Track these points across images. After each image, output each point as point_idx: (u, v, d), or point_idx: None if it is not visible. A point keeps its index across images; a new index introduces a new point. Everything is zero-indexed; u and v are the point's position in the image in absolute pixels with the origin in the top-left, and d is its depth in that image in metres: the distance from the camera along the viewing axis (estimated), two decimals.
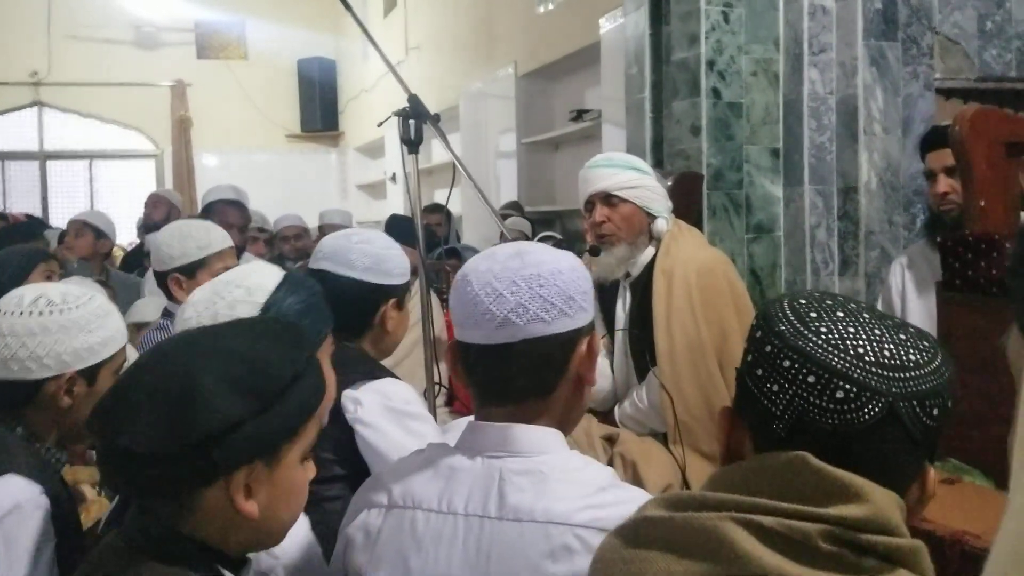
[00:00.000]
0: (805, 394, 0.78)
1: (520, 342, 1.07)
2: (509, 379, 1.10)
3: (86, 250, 4.10)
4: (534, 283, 1.07)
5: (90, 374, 1.41)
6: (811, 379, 0.78)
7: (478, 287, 1.08)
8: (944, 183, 2.34)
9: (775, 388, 0.80)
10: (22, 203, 9.30)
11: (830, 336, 0.79)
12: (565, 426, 1.15)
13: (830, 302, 0.83)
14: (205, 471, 0.89)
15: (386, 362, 1.89)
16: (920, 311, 2.45)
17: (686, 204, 3.12)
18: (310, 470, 1.01)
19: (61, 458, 1.43)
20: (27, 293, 1.39)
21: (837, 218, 3.14)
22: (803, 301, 0.83)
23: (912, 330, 0.83)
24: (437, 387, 2.41)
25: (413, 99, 2.48)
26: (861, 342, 0.79)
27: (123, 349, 1.50)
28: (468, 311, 1.09)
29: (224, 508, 0.91)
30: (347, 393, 1.64)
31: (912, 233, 3.08)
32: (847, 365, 0.77)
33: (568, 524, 1.03)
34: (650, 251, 2.26)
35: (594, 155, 4.56)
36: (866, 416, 0.76)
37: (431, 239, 5.06)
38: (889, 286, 2.60)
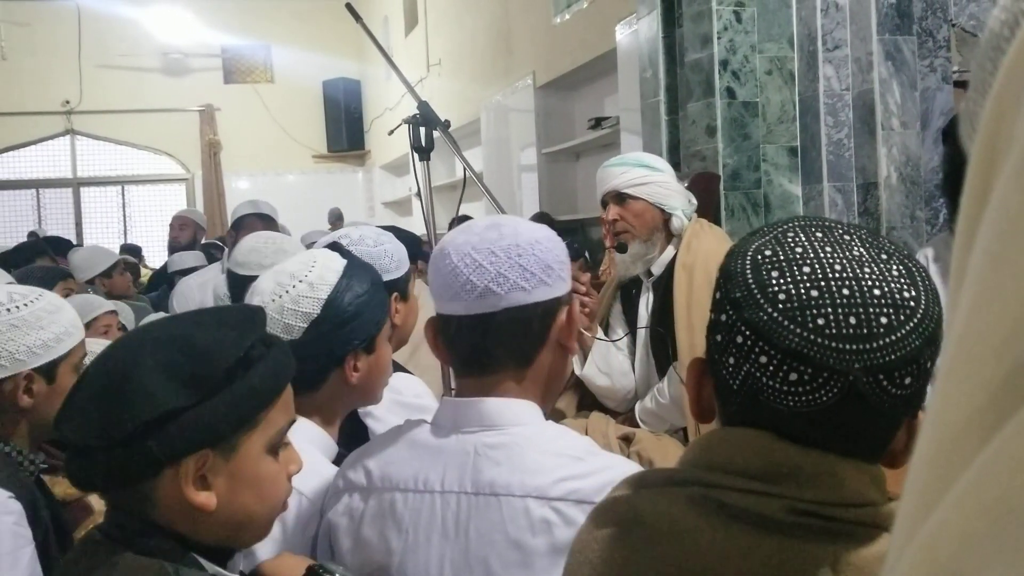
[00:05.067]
0: (758, 374, 0.72)
1: (501, 311, 1.07)
2: (489, 349, 1.10)
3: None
4: (512, 253, 1.07)
5: (48, 371, 1.40)
6: (763, 359, 0.71)
7: (457, 259, 1.08)
8: None
9: (731, 361, 0.74)
10: (57, 229, 9.48)
11: (788, 306, 0.71)
12: (547, 396, 1.16)
13: (800, 250, 0.74)
14: (147, 462, 0.86)
15: (404, 352, 1.89)
16: (945, 300, 2.40)
17: (703, 204, 3.10)
18: (290, 461, 0.98)
19: (36, 460, 1.42)
20: None
21: (858, 215, 3.10)
22: (768, 253, 0.75)
23: (897, 272, 0.73)
24: (453, 394, 2.42)
25: (423, 106, 2.50)
26: (824, 310, 0.70)
27: (81, 344, 1.48)
28: (447, 283, 1.09)
29: (182, 499, 0.89)
30: None
31: (935, 228, 3.03)
32: (802, 342, 0.70)
33: (546, 498, 1.03)
34: (671, 249, 2.25)
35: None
36: (824, 398, 0.70)
37: None
38: None
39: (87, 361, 1.59)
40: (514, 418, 1.09)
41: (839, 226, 0.77)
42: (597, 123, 5.02)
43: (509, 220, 1.13)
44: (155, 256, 8.40)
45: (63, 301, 1.49)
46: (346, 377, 1.32)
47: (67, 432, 0.86)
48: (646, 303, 2.32)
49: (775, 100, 3.21)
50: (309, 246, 5.35)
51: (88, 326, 2.66)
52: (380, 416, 1.60)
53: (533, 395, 1.13)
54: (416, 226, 7.00)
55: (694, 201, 2.33)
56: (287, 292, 1.28)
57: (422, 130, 2.50)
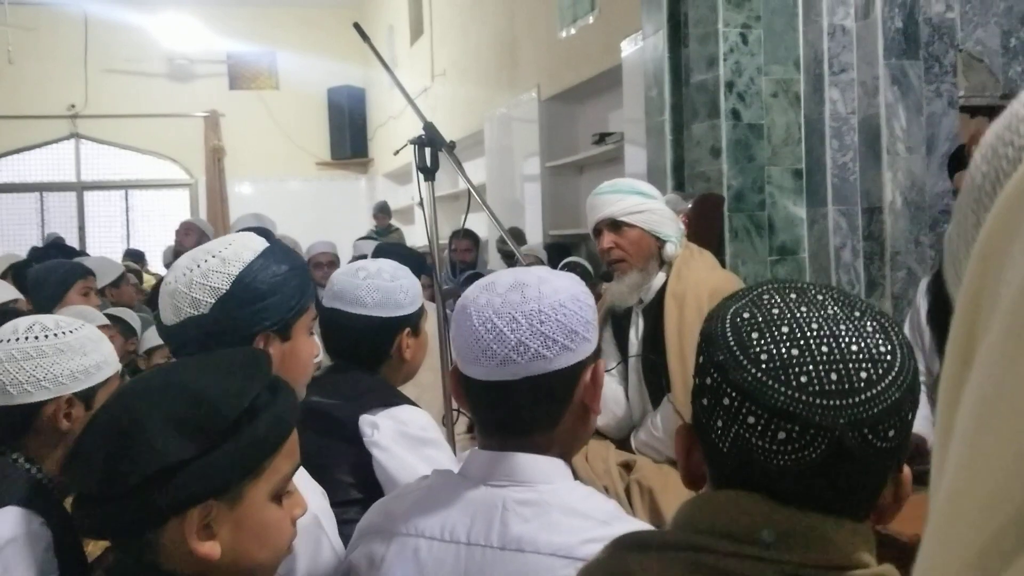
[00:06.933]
0: (747, 435, 0.73)
1: (522, 380, 1.05)
2: (512, 415, 1.09)
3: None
4: (535, 319, 1.04)
5: (87, 397, 1.43)
6: (751, 419, 0.73)
7: (478, 322, 1.06)
8: None
9: (719, 424, 0.75)
10: (60, 233, 9.47)
11: (770, 365, 0.73)
12: (569, 454, 1.14)
13: (777, 311, 0.76)
14: (151, 514, 0.86)
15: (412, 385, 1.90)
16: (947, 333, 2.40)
17: (707, 226, 3.11)
18: (294, 505, 0.98)
19: (64, 489, 1.44)
20: (21, 323, 1.44)
21: (862, 238, 3.10)
22: (746, 316, 0.77)
23: (871, 328, 0.75)
24: (456, 414, 2.42)
25: (428, 127, 2.50)
26: (805, 367, 0.72)
27: (117, 375, 1.52)
28: (468, 346, 1.07)
29: (186, 548, 0.88)
30: (364, 418, 1.65)
31: (939, 253, 3.03)
32: (788, 401, 0.71)
33: (571, 557, 1.01)
34: (662, 276, 2.24)
35: (616, 178, 4.54)
36: (812, 455, 0.71)
37: (455, 267, 5.12)
38: (917, 307, 2.55)
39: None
40: (543, 475, 1.08)
41: (812, 287, 0.79)
42: (601, 138, 5.02)
43: (534, 279, 1.08)
44: (158, 262, 8.40)
45: (103, 333, 1.52)
46: None
47: (73, 479, 0.86)
48: (636, 330, 2.31)
49: (780, 122, 3.21)
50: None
51: None
52: (386, 446, 1.60)
53: (555, 454, 1.11)
54: (418, 234, 7.00)
55: (682, 227, 2.32)
56: (198, 266, 1.27)
57: (427, 150, 2.52)
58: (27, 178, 10.19)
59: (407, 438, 1.61)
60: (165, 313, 1.29)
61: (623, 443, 2.30)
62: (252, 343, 1.28)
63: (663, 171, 3.49)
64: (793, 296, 0.77)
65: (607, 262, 2.27)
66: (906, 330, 2.60)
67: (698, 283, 2.15)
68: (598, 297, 3.13)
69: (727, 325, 0.77)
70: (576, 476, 2.08)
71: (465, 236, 5.26)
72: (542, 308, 1.05)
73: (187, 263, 1.29)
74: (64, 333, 1.43)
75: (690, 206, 3.09)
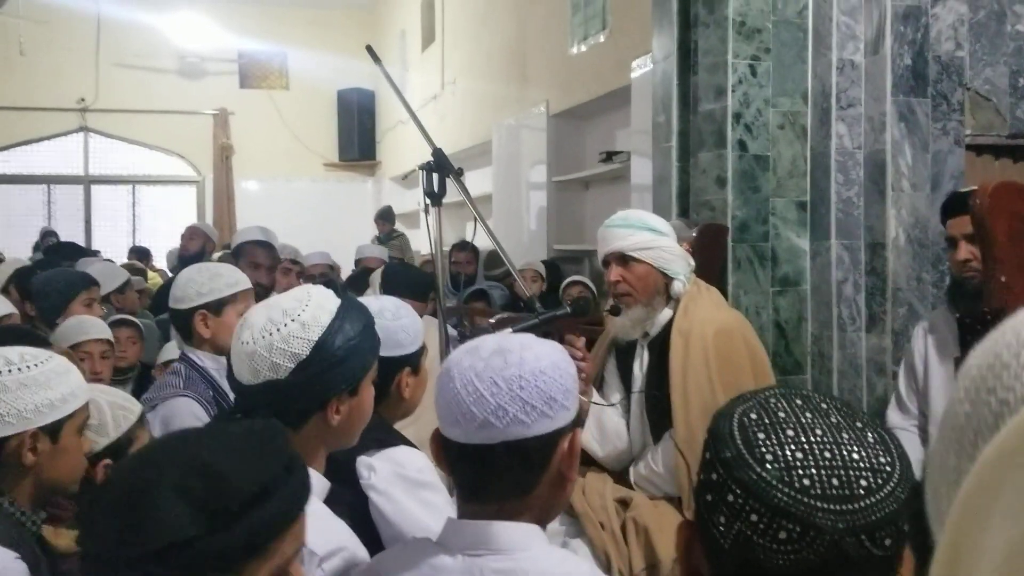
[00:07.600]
0: (749, 532, 0.75)
1: (499, 444, 1.07)
2: (489, 480, 1.11)
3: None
4: (515, 384, 1.06)
5: (52, 431, 1.43)
6: (754, 517, 0.75)
7: (459, 385, 1.08)
8: (965, 250, 2.30)
9: (722, 520, 0.77)
10: (66, 226, 9.52)
11: (775, 466, 0.76)
12: (545, 520, 1.16)
13: (783, 414, 0.79)
14: None
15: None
16: (940, 377, 2.42)
17: (711, 255, 3.12)
18: None
19: (36, 520, 1.45)
20: None
21: (864, 273, 3.11)
22: (754, 416, 0.79)
23: (872, 439, 0.78)
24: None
25: (437, 153, 2.52)
26: (808, 471, 0.75)
27: (85, 407, 1.51)
28: (450, 408, 1.09)
29: None
30: (362, 459, 1.65)
31: (940, 291, 3.03)
32: (790, 501, 0.74)
33: None
34: (668, 312, 2.25)
35: (623, 196, 4.54)
36: (811, 556, 0.74)
37: (456, 279, 5.13)
38: (912, 350, 2.57)
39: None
40: (520, 543, 1.09)
41: (816, 395, 0.83)
42: (608, 156, 5.04)
43: (517, 345, 1.11)
44: (163, 258, 8.42)
45: (71, 364, 1.52)
46: (327, 419, 1.33)
47: (86, 539, 0.88)
48: (640, 363, 2.32)
49: (786, 154, 3.22)
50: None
51: (75, 347, 2.65)
52: (383, 489, 1.61)
53: (531, 520, 1.13)
54: (423, 240, 7.01)
55: (692, 263, 2.33)
56: (278, 330, 1.28)
57: (435, 176, 2.53)
58: (35, 170, 10.23)
59: (404, 480, 1.62)
60: (241, 372, 1.31)
61: (621, 475, 2.32)
62: (327, 405, 1.31)
63: (669, 198, 3.50)
64: (799, 402, 0.80)
65: (613, 295, 2.29)
66: (901, 371, 2.62)
67: (704, 321, 2.17)
68: (601, 322, 3.15)
69: (735, 424, 0.79)
70: (571, 511, 2.11)
71: (465, 248, 5.31)
72: (523, 374, 1.08)
73: (264, 323, 1.29)
74: (28, 367, 1.42)
75: (694, 234, 3.10)
